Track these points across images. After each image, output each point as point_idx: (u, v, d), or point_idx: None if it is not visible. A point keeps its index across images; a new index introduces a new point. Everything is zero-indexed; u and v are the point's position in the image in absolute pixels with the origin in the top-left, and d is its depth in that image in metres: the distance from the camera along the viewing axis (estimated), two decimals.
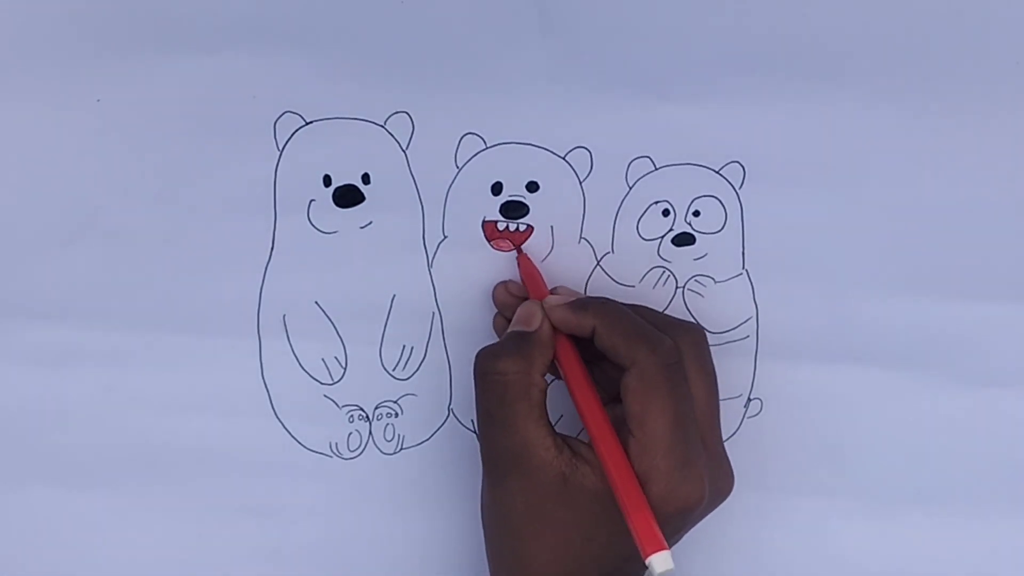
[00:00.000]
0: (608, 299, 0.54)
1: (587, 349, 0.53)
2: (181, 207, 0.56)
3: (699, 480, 0.50)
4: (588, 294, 0.58)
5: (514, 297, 0.56)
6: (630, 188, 0.57)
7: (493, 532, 0.53)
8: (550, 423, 0.51)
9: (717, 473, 0.52)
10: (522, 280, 0.57)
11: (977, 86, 0.56)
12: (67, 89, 0.54)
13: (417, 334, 0.58)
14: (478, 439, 0.53)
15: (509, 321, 0.54)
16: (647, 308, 0.55)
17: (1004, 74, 0.56)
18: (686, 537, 0.53)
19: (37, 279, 0.56)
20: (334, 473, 0.58)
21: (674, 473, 0.49)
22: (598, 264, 0.58)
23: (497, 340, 0.54)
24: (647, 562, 0.47)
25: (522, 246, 0.57)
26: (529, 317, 0.53)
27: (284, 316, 0.57)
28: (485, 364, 0.51)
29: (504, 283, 0.57)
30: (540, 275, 0.56)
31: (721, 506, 0.53)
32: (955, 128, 0.57)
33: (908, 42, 0.56)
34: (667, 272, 0.58)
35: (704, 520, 0.53)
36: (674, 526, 0.50)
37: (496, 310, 0.57)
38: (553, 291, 0.56)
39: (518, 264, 0.57)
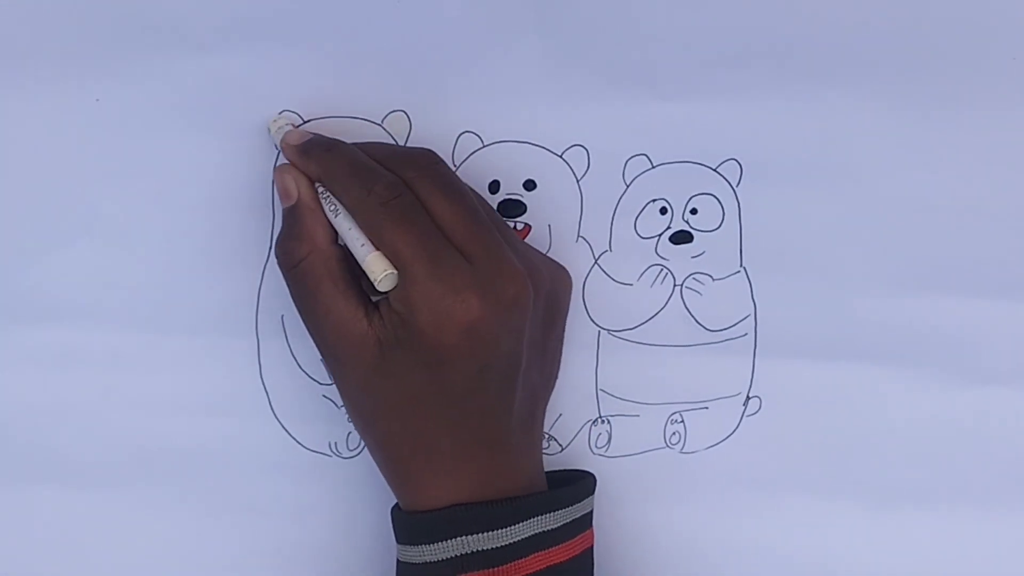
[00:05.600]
0: (335, 142, 0.52)
1: None
2: (181, 207, 0.56)
3: (468, 294, 0.48)
4: (585, 291, 0.58)
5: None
6: (627, 186, 0.57)
7: (355, 422, 0.53)
8: (358, 288, 0.50)
9: (498, 280, 0.49)
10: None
11: (974, 82, 0.57)
12: (67, 89, 0.54)
13: None
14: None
15: None
16: (380, 144, 0.53)
17: (1001, 71, 0.56)
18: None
19: (37, 279, 0.56)
20: (334, 472, 0.58)
21: (434, 296, 0.48)
22: (596, 262, 0.58)
23: None
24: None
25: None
26: (284, 188, 0.52)
27: (283, 316, 0.57)
28: (281, 258, 0.51)
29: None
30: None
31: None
32: (952, 124, 0.57)
33: (905, 38, 0.56)
34: (665, 270, 0.58)
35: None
36: (470, 346, 0.49)
37: None
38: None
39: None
